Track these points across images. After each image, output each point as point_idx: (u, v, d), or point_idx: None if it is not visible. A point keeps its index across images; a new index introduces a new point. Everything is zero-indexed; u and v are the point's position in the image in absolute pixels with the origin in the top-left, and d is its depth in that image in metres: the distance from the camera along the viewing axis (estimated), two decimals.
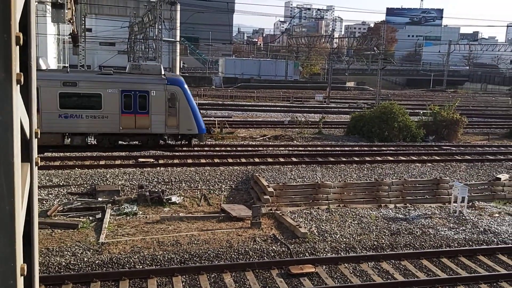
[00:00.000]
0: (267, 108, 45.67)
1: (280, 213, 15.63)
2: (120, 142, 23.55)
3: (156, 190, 17.25)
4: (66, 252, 12.18)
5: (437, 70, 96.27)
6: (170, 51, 53.23)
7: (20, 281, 2.27)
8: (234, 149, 24.91)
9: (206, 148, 24.58)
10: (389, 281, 11.48)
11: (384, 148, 26.92)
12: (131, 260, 11.80)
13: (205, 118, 28.45)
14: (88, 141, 23.26)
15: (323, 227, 14.54)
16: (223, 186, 18.50)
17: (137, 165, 20.09)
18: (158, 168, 19.75)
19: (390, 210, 16.70)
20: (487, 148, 28.36)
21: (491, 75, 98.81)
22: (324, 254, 12.83)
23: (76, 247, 12.54)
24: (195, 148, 24.17)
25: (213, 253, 12.44)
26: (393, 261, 12.68)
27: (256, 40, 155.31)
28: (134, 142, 23.73)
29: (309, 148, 26.08)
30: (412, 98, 66.49)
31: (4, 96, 2.07)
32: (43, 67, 22.27)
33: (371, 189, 18.63)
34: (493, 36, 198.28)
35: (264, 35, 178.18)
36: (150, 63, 28.73)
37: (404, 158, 23.57)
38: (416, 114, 36.47)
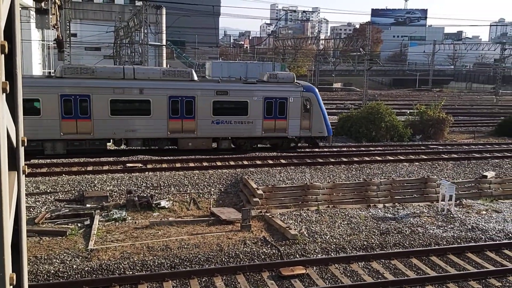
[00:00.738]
0: None
1: (270, 215, 15.64)
2: (258, 145, 25.91)
3: (145, 195, 17.16)
4: (54, 260, 12.07)
5: (423, 69, 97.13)
6: (157, 55, 53.03)
7: None
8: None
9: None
10: (379, 280, 11.55)
11: (372, 148, 27.11)
12: (121, 266, 11.73)
13: None
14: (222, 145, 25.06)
15: (313, 228, 14.58)
16: (212, 189, 18.47)
17: (125, 170, 19.97)
18: (147, 172, 19.66)
19: (379, 210, 16.79)
20: (473, 146, 28.67)
21: (475, 74, 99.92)
22: (315, 255, 12.86)
23: (65, 254, 12.43)
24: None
25: (203, 257, 12.41)
26: (383, 260, 12.76)
27: (243, 42, 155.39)
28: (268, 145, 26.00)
29: (298, 150, 26.13)
30: (399, 98, 67.02)
31: None
32: (195, 77, 24.78)
33: (359, 189, 18.73)
34: (477, 35, 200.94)
35: (250, 38, 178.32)
36: (284, 72, 29.73)
37: (392, 158, 23.75)
38: (403, 114, 36.79)
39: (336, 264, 12.36)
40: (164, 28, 55.77)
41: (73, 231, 14.25)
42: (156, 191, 17.82)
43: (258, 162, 22.22)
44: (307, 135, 25.63)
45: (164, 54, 56.77)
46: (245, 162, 22.02)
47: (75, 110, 22.12)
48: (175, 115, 23.52)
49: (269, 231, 14.53)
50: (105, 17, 54.98)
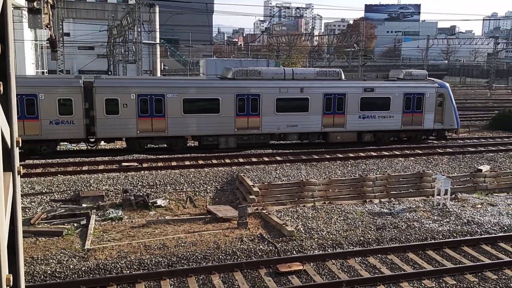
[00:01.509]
0: None
1: (266, 212, 15.66)
2: (393, 138, 28.10)
3: (141, 194, 17.13)
4: (51, 260, 12.04)
5: (417, 64, 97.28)
6: (150, 53, 52.85)
7: None
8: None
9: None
10: (376, 275, 11.59)
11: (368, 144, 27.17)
12: (118, 266, 11.71)
13: None
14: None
15: (309, 225, 14.61)
16: (208, 187, 18.46)
17: (121, 169, 19.93)
18: (142, 171, 19.62)
19: (375, 205, 16.85)
20: (468, 141, 28.80)
21: (469, 68, 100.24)
22: (312, 252, 12.89)
23: (61, 254, 12.40)
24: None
25: (200, 254, 12.41)
26: (379, 255, 12.80)
27: (237, 40, 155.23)
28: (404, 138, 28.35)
29: (293, 146, 26.18)
30: None
31: None
32: (343, 77, 27.22)
33: (355, 185, 18.78)
34: (470, 30, 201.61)
35: (244, 35, 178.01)
36: (418, 70, 31.38)
37: (387, 153, 23.82)
38: None
39: (333, 260, 12.39)
40: (157, 26, 55.57)
41: (70, 231, 14.21)
42: (152, 190, 17.79)
43: (254, 159, 22.22)
44: (439, 127, 28.36)
45: (158, 53, 56.58)
46: (241, 160, 22.03)
47: (247, 108, 24.95)
48: (328, 111, 26.17)
49: (266, 228, 14.55)
50: (98, 16, 54.70)
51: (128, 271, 11.55)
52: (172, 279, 11.20)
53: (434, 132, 28.65)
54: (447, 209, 16.35)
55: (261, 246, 13.03)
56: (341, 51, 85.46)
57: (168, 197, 17.58)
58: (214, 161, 21.66)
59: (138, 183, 18.18)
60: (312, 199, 17.66)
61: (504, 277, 11.69)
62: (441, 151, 24.84)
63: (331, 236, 13.95)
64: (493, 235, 14.35)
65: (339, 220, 15.22)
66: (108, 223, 15.06)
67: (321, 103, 25.85)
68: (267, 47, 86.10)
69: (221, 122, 24.59)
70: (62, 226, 14.64)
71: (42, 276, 11.17)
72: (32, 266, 11.66)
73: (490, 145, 26.70)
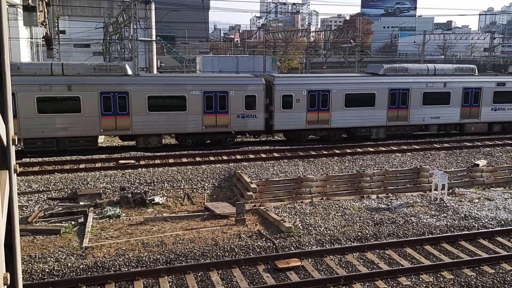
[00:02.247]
0: None
1: (264, 208, 15.66)
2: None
3: (139, 191, 17.12)
4: (49, 259, 12.02)
5: (413, 60, 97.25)
6: (147, 50, 52.66)
7: None
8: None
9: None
10: (374, 270, 11.61)
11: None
12: (116, 263, 11.71)
13: None
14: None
15: (307, 221, 14.63)
16: (206, 184, 18.45)
17: (118, 167, 19.90)
18: (140, 169, 19.60)
19: (373, 201, 16.87)
20: (465, 135, 28.84)
21: (465, 63, 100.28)
22: (309, 247, 12.91)
23: (59, 252, 12.39)
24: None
25: (198, 251, 12.41)
26: (377, 250, 12.83)
27: (233, 36, 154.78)
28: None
29: (291, 143, 26.17)
30: None
31: None
32: (477, 72, 30.15)
33: (353, 181, 18.80)
34: (466, 25, 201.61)
35: (240, 31, 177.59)
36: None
37: (384, 149, 23.84)
38: None
39: (331, 256, 12.41)
40: (153, 23, 55.33)
41: (67, 229, 14.19)
42: (149, 187, 17.78)
43: (251, 156, 22.21)
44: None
45: (154, 50, 56.37)
46: (238, 157, 22.01)
47: (398, 101, 27.53)
48: (465, 104, 28.78)
49: (264, 224, 14.56)
50: (93, 13, 54.43)
51: (126, 269, 11.55)
52: (171, 276, 11.21)
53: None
54: (444, 204, 16.39)
55: (259, 243, 13.04)
56: (338, 47, 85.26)
57: (166, 194, 17.56)
58: (212, 158, 21.65)
59: (135, 181, 18.16)
60: (310, 195, 17.68)
61: (501, 271, 11.74)
62: (438, 146, 24.88)
63: (329, 232, 13.97)
64: (490, 229, 14.40)
65: (337, 216, 15.25)
66: (105, 221, 15.04)
67: (460, 96, 28.54)
68: (263, 43, 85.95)
69: (374, 114, 27.17)
70: (59, 224, 14.62)
71: (40, 275, 11.15)
72: (29, 264, 11.64)
73: (486, 140, 26.76)
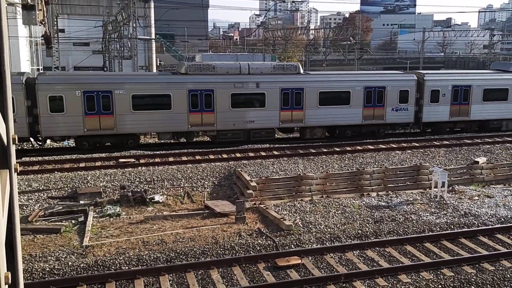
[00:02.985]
0: None
1: (264, 206, 15.67)
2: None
3: (139, 190, 17.13)
4: (49, 257, 12.03)
5: (413, 57, 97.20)
6: (146, 49, 52.58)
7: None
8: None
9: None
10: (374, 268, 11.63)
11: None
12: (116, 262, 11.72)
13: None
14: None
15: (307, 219, 14.64)
16: (206, 182, 18.46)
17: (118, 165, 19.89)
18: (140, 167, 19.59)
19: (373, 199, 16.88)
20: (464, 133, 28.84)
21: (465, 61, 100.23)
22: (310, 245, 12.92)
23: (59, 251, 12.40)
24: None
25: (199, 250, 12.42)
26: (377, 248, 12.84)
27: (232, 34, 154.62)
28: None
29: (290, 141, 26.18)
30: None
31: None
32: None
33: (353, 179, 18.81)
34: (466, 22, 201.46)
35: (240, 29, 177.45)
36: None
37: (384, 146, 23.82)
38: None
39: (331, 254, 12.42)
40: (152, 22, 55.25)
41: (67, 228, 14.20)
42: (149, 186, 17.78)
43: (251, 154, 22.21)
44: None
45: (154, 48, 56.26)
46: (238, 155, 22.01)
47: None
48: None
49: (264, 222, 14.57)
50: (92, 11, 54.36)
51: (126, 267, 11.56)
52: (171, 275, 11.22)
53: None
54: (444, 202, 16.40)
55: (259, 241, 13.05)
56: (337, 45, 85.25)
57: (166, 192, 17.57)
58: (211, 156, 21.64)
59: (135, 179, 18.16)
60: (310, 193, 17.69)
61: (501, 268, 11.76)
62: (438, 143, 24.88)
63: (329, 229, 13.98)
64: (490, 226, 14.42)
65: (337, 213, 15.26)
66: (106, 220, 15.05)
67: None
68: (263, 41, 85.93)
69: (508, 108, 29.72)
70: (60, 223, 14.63)
71: (41, 273, 11.17)
72: (30, 263, 11.65)
73: (486, 137, 26.74)
